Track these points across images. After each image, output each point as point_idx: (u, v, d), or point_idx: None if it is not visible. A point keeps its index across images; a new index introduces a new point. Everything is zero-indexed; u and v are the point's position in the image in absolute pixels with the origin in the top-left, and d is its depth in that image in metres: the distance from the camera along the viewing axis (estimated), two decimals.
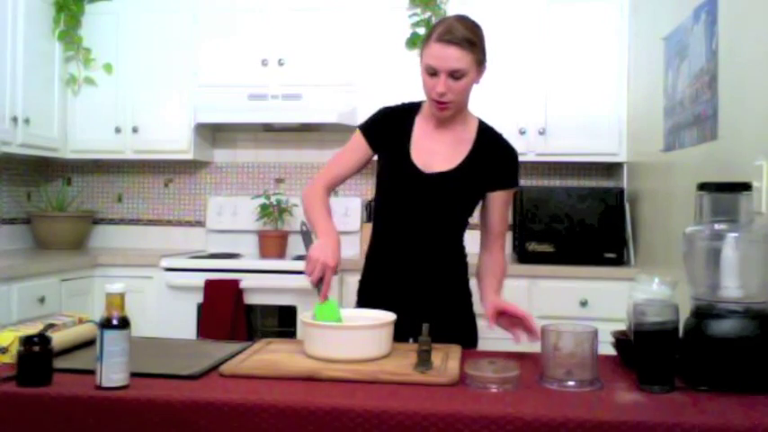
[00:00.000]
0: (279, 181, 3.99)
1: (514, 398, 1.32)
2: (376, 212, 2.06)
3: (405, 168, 1.92)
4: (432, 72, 1.81)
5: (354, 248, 3.54)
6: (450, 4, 3.52)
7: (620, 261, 3.23)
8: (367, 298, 2.03)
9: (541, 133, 3.47)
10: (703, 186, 1.51)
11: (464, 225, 2.02)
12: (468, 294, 2.06)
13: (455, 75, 1.80)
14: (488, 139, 1.98)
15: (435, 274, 1.96)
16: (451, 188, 1.92)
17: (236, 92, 3.60)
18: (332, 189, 2.02)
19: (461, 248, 2.05)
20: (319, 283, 1.74)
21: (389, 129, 1.97)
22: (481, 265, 2.01)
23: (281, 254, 3.57)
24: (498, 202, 1.98)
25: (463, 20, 1.87)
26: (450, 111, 1.88)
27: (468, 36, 1.81)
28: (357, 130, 2.01)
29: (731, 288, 1.41)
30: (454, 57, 1.78)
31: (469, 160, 1.93)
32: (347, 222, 3.71)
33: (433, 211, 1.93)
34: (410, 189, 1.93)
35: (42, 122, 3.53)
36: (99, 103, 3.72)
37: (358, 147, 1.99)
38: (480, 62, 1.86)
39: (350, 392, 1.34)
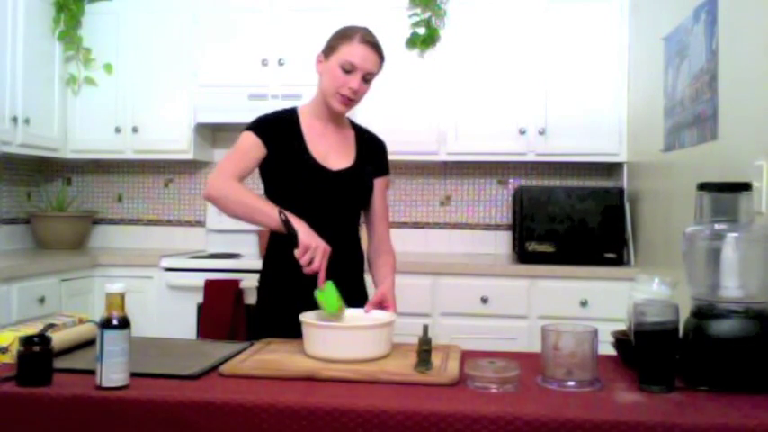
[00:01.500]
0: None
1: (514, 398, 1.32)
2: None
3: (310, 167, 1.97)
4: (349, 69, 1.92)
5: None
6: (451, 4, 3.52)
7: (620, 261, 3.23)
8: (269, 296, 2.04)
9: (541, 133, 3.47)
10: (703, 186, 1.51)
11: (359, 218, 2.12)
12: (364, 284, 2.12)
13: (367, 77, 1.95)
14: (363, 133, 2.15)
15: (338, 267, 1.91)
16: (357, 183, 2.04)
17: (236, 92, 3.60)
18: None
19: (359, 240, 2.13)
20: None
21: (279, 129, 1.99)
22: (373, 251, 2.13)
23: None
24: (379, 189, 2.12)
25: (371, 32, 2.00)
26: (350, 108, 2.00)
27: (381, 47, 1.98)
28: (245, 132, 1.98)
29: (731, 288, 1.41)
30: (374, 61, 1.95)
31: (359, 156, 2.07)
32: None
33: (341, 206, 2.03)
34: (318, 187, 1.97)
35: (42, 122, 3.53)
36: (99, 103, 3.73)
37: (254, 147, 1.96)
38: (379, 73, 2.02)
39: (350, 392, 1.34)
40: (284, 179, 1.98)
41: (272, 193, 2.02)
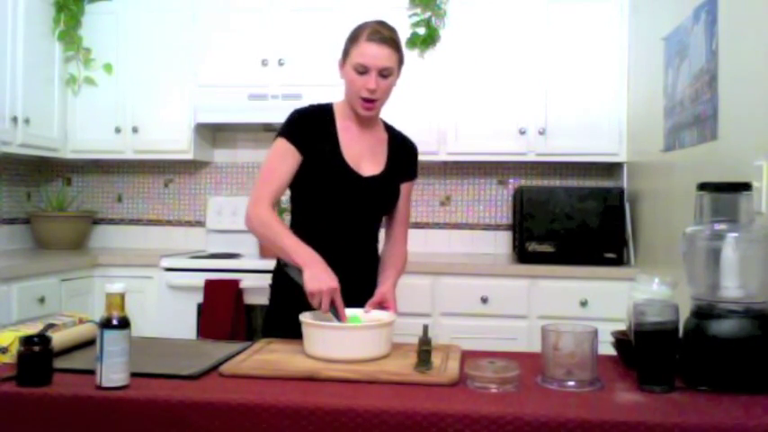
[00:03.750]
0: None
1: (514, 398, 1.32)
2: (299, 214, 2.02)
3: (342, 172, 1.94)
4: (362, 71, 1.89)
5: None
6: (451, 4, 3.52)
7: (620, 261, 3.23)
8: (282, 295, 2.01)
9: (541, 133, 3.47)
10: (703, 186, 1.51)
11: (381, 221, 2.11)
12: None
13: (383, 73, 1.90)
14: (396, 136, 2.10)
15: (355, 269, 1.95)
16: (386, 189, 2.03)
17: (236, 92, 3.60)
18: (275, 205, 1.95)
19: (378, 242, 2.12)
20: (332, 307, 1.72)
21: (313, 131, 1.96)
22: (384, 255, 2.10)
23: None
24: (404, 193, 2.09)
25: (384, 23, 1.97)
26: (375, 110, 1.96)
27: (394, 37, 1.93)
28: (279, 138, 1.94)
29: (731, 288, 1.41)
30: (384, 55, 1.89)
31: (391, 160, 2.04)
32: None
33: (368, 212, 2.02)
34: (349, 192, 1.95)
35: (42, 122, 3.52)
36: (99, 103, 3.72)
37: (288, 155, 1.92)
38: (401, 62, 1.97)
39: (350, 392, 1.34)
40: (314, 181, 1.95)
41: (299, 192, 2.00)
